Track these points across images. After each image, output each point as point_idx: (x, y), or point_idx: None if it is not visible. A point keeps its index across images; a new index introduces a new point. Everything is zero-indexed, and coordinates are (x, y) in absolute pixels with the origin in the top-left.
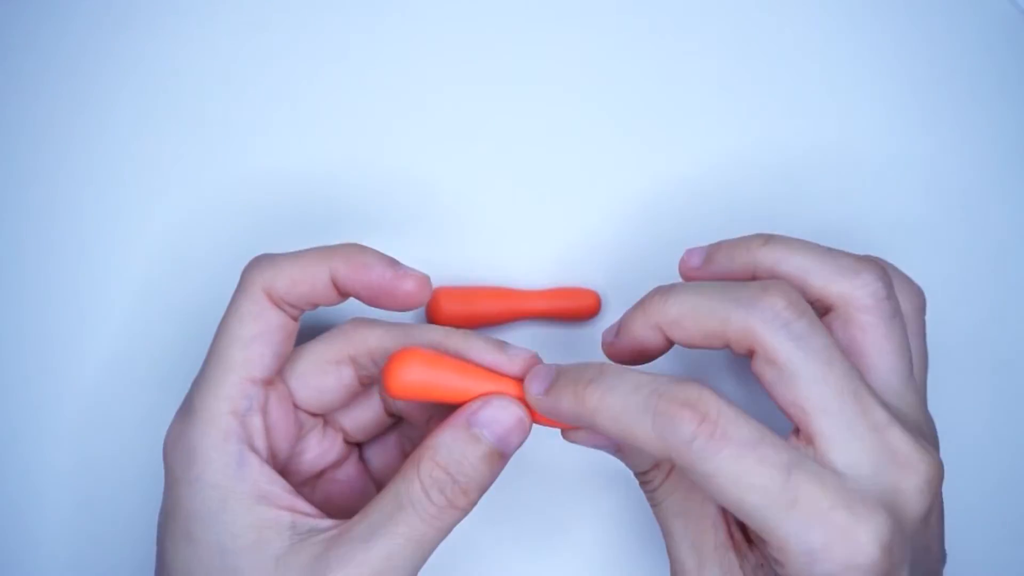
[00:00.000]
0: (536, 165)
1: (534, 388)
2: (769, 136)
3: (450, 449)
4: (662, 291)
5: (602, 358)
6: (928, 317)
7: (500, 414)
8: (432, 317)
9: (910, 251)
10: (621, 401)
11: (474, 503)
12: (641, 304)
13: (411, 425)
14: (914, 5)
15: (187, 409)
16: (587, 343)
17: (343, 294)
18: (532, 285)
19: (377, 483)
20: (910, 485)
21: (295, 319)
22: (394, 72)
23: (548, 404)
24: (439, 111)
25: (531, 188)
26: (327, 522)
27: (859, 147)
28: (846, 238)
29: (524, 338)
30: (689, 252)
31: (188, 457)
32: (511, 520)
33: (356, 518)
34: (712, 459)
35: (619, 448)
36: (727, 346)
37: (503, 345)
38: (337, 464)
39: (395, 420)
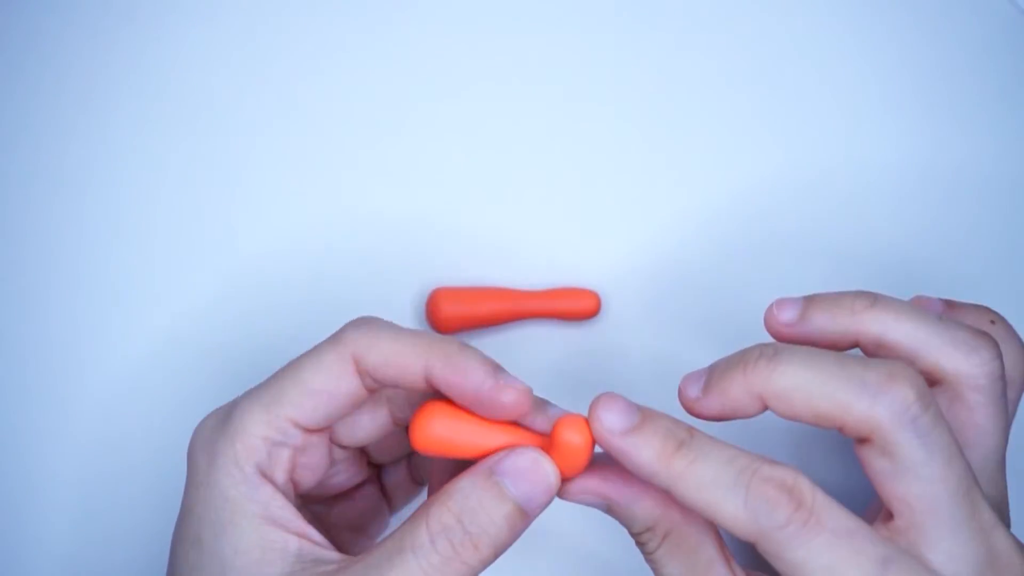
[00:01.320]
0: (536, 166)
1: (609, 421)
2: (770, 137)
3: (466, 495)
4: (768, 355)
5: (596, 365)
6: None
7: (526, 464)
8: (432, 317)
9: (909, 251)
10: (712, 473)
11: (485, 561)
12: (741, 364)
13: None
14: (915, 6)
15: (225, 417)
16: (587, 343)
17: (433, 388)
18: (532, 285)
19: (390, 506)
20: None
21: (370, 391)
22: (396, 71)
23: (623, 446)
24: (439, 111)
25: (531, 189)
26: (334, 555)
27: (858, 146)
28: (846, 238)
29: (524, 338)
30: (779, 304)
31: (211, 461)
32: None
33: (359, 556)
34: (804, 546)
35: (611, 508)
36: (837, 429)
37: (545, 404)
38: (358, 486)
39: None
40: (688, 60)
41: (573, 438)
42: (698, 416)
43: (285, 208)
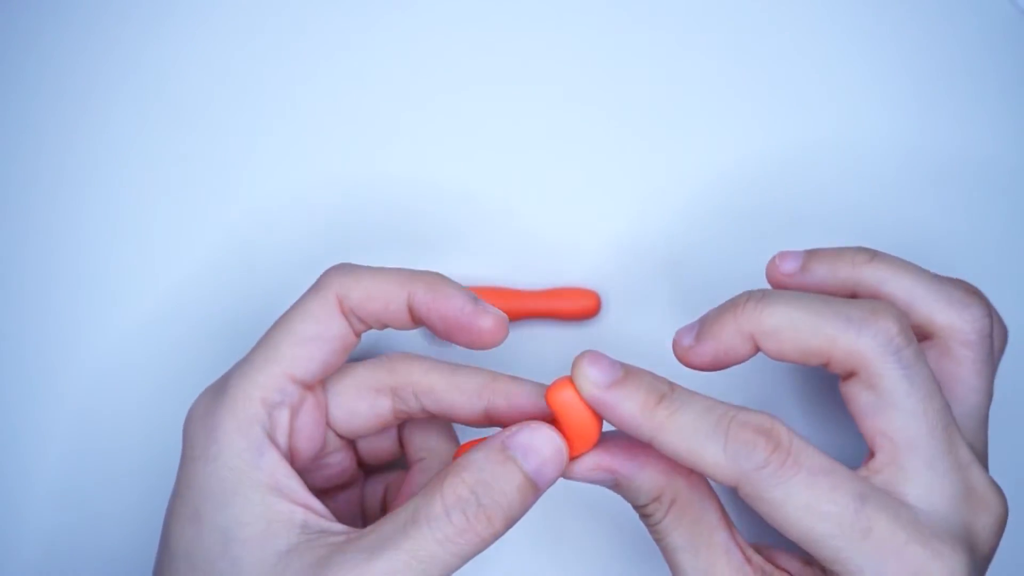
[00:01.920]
0: (536, 166)
1: (594, 375)
2: (769, 137)
3: (480, 468)
4: (756, 297)
5: None
6: None
7: (537, 438)
8: None
9: (908, 250)
10: (693, 421)
11: (497, 534)
12: (731, 308)
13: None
14: (914, 5)
15: (220, 388)
16: (587, 343)
17: (416, 321)
18: (532, 285)
19: (365, 517)
20: (984, 523)
21: (357, 335)
22: (397, 72)
23: (609, 400)
24: (439, 112)
25: (531, 188)
26: (339, 527)
27: (859, 147)
28: (846, 239)
29: (524, 338)
30: (782, 256)
31: (210, 434)
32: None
33: (369, 527)
34: (783, 485)
35: (617, 483)
36: (824, 364)
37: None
38: (344, 486)
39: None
40: (688, 61)
41: (565, 396)
42: (692, 365)
43: (283, 206)
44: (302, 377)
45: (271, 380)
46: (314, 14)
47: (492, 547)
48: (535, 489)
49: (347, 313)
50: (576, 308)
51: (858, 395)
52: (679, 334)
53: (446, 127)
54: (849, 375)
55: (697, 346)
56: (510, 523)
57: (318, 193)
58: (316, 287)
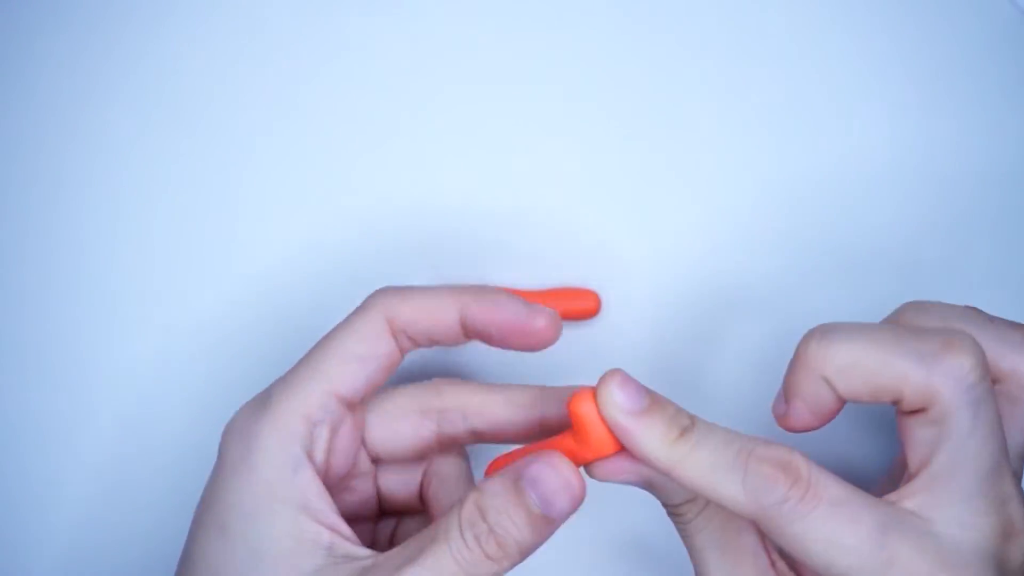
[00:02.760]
0: (536, 165)
1: (620, 399)
2: (770, 138)
3: (494, 496)
4: (817, 335)
5: (596, 365)
6: None
7: (549, 473)
8: None
9: (907, 251)
10: (711, 456)
11: (514, 561)
12: (798, 355)
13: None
14: (914, 6)
15: (261, 402)
16: (587, 343)
17: (469, 334)
18: (532, 285)
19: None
20: (1015, 552)
21: (403, 354)
22: (396, 72)
23: (631, 429)
24: (439, 111)
25: (532, 188)
26: (365, 551)
27: (858, 147)
28: (845, 236)
29: None
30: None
31: (249, 444)
32: None
33: (395, 550)
34: (802, 520)
35: (650, 483)
36: (895, 403)
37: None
38: (359, 520)
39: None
40: (688, 61)
41: (586, 409)
42: (796, 431)
43: (287, 209)
44: (347, 395)
45: (315, 397)
46: (316, 14)
47: None
48: (548, 522)
49: (396, 332)
50: (576, 308)
51: (920, 429)
52: (774, 403)
53: (448, 128)
54: (917, 411)
55: (789, 410)
56: (525, 552)
57: (320, 195)
58: (363, 308)
